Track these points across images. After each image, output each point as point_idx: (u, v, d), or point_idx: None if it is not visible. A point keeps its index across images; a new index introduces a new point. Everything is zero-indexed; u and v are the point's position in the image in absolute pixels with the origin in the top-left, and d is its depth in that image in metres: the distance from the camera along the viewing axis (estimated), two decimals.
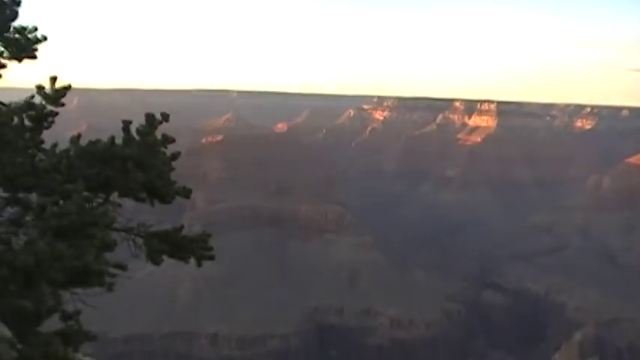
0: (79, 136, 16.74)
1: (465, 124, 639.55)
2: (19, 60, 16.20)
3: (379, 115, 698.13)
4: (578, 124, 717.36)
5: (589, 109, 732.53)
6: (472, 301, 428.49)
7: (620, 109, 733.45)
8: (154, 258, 16.22)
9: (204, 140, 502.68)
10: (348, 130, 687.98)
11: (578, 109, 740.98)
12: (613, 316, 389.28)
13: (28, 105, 16.08)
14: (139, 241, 16.10)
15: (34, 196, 15.41)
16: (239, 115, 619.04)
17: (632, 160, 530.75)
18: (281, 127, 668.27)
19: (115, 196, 16.40)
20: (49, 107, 16.28)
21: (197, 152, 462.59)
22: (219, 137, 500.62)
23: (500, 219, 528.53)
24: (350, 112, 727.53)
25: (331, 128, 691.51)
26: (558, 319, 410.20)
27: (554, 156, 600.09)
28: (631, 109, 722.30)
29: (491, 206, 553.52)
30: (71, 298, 15.26)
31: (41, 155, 16.13)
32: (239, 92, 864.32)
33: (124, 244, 15.96)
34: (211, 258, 16.89)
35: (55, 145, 16.38)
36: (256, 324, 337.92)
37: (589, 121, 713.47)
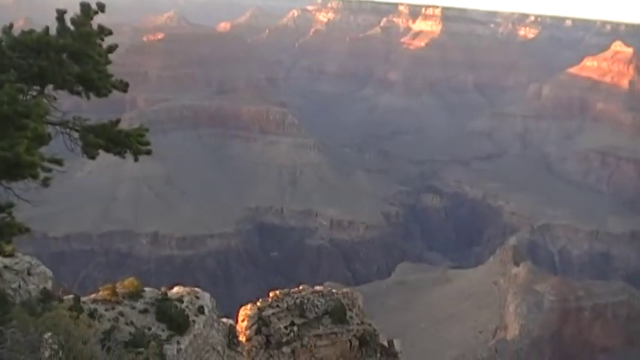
0: (11, 25, 16.09)
1: (409, 29, 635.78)
2: None
3: (323, 16, 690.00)
4: (522, 32, 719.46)
5: (533, 18, 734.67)
6: (411, 204, 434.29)
7: (563, 19, 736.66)
8: (90, 152, 15.79)
9: (145, 38, 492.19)
10: (292, 30, 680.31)
11: (522, 17, 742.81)
12: (546, 222, 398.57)
13: None
14: (75, 135, 15.65)
15: None
16: (181, 14, 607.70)
17: (573, 70, 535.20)
18: (224, 26, 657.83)
19: (50, 89, 15.90)
20: None
21: (138, 50, 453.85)
22: (161, 35, 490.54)
23: (441, 124, 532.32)
24: (294, 13, 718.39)
25: (274, 29, 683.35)
26: (494, 224, 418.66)
27: (496, 63, 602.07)
28: (574, 20, 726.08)
29: (433, 111, 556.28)
30: (4, 192, 14.92)
31: None
32: None
33: (60, 140, 15.57)
34: (148, 153, 16.51)
35: None
36: (197, 224, 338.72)
37: (532, 30, 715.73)
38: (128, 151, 16.29)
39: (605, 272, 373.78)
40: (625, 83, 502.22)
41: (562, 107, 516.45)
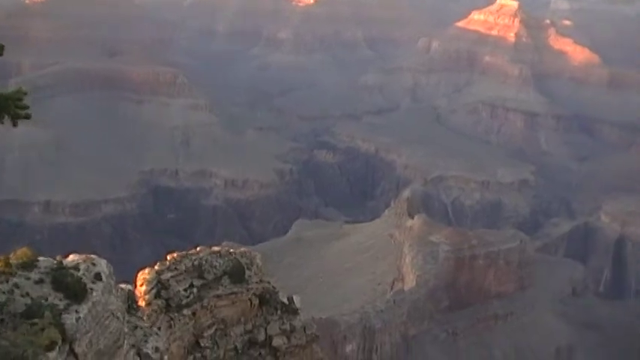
0: None
1: None
2: None
3: None
4: None
5: None
6: (304, 160, 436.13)
7: None
8: None
9: (27, 0, 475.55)
10: None
11: None
12: (439, 174, 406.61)
13: None
14: None
15: None
16: None
17: (461, 24, 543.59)
18: None
19: None
20: None
21: (20, 13, 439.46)
22: None
23: (331, 79, 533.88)
24: None
25: None
26: (388, 177, 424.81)
27: (385, 18, 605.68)
28: None
29: (323, 67, 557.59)
30: None
31: None
32: None
33: None
34: (27, 117, 16.04)
35: None
36: (90, 189, 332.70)
37: None
38: (6, 116, 15.79)
39: (497, 220, 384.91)
40: (511, 36, 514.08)
41: (451, 61, 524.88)
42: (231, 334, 31.12)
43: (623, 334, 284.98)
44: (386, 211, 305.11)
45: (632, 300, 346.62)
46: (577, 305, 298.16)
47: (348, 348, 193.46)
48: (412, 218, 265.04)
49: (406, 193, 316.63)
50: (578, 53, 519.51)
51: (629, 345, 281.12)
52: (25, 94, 15.98)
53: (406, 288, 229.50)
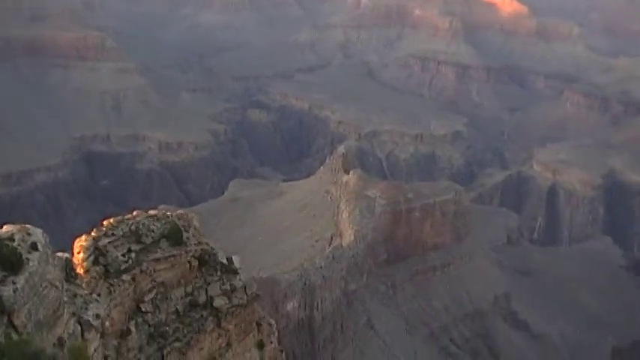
0: None
1: None
2: None
3: None
4: None
5: None
6: (238, 120, 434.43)
7: None
8: None
9: None
10: None
11: None
12: (373, 129, 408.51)
13: None
14: None
15: None
16: None
17: None
18: None
19: None
20: None
21: None
22: None
23: (262, 39, 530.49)
24: None
25: None
26: (322, 134, 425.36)
27: None
28: None
29: (254, 26, 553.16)
30: None
31: None
32: None
33: None
34: None
35: None
36: (21, 159, 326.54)
37: None
38: None
39: (432, 173, 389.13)
40: None
41: (381, 16, 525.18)
42: (172, 297, 31.12)
43: (558, 280, 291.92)
44: (321, 167, 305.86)
45: (566, 246, 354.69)
46: (512, 253, 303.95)
47: (289, 306, 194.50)
48: (347, 174, 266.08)
49: (341, 149, 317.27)
50: (506, 5, 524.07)
51: (564, 290, 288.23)
52: None
53: (344, 244, 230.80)
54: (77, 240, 28.66)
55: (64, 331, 23.10)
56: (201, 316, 32.47)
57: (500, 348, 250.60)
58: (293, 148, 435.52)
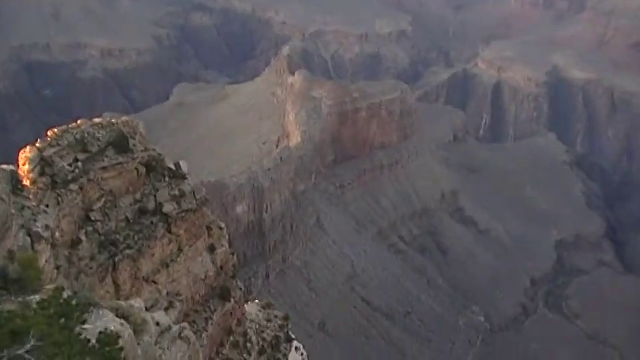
0: None
1: None
2: None
3: None
4: None
5: None
6: (181, 24, 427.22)
7: None
8: None
9: None
10: None
11: None
12: (317, 29, 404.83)
13: None
14: None
15: None
16: None
17: None
18: None
19: None
20: None
21: None
22: None
23: None
24: None
25: None
26: (266, 36, 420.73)
27: None
28: None
29: None
30: None
31: None
32: None
33: None
34: None
35: None
36: None
37: None
38: None
39: (377, 72, 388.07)
40: None
41: None
42: (121, 204, 31.06)
43: (503, 176, 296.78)
44: (266, 69, 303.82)
45: (511, 142, 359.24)
46: (459, 151, 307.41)
47: (239, 209, 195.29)
48: (293, 75, 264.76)
49: (285, 50, 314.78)
50: None
51: (509, 186, 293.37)
52: None
53: (292, 145, 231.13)
54: (22, 151, 28.29)
55: (13, 244, 23.00)
56: (151, 222, 32.49)
57: (448, 244, 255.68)
58: (237, 50, 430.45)
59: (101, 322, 15.84)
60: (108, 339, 14.17)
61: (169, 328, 20.31)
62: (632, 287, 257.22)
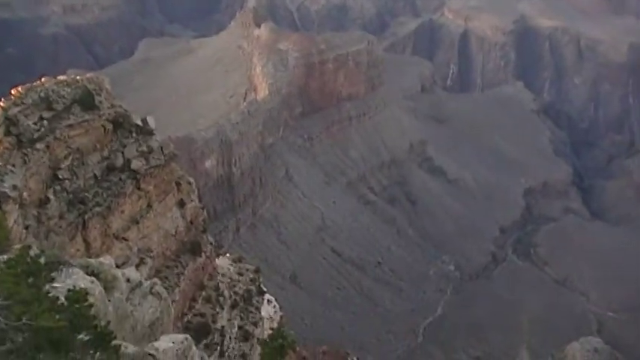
0: None
1: None
2: None
3: None
4: None
5: None
6: None
7: None
8: None
9: None
10: None
11: None
12: None
13: None
14: None
15: None
16: None
17: None
18: None
19: None
20: None
21: None
22: None
23: None
24: None
25: None
26: None
27: None
28: None
29: None
30: None
31: None
32: None
33: None
34: None
35: None
36: None
37: None
38: None
39: (344, 23, 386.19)
40: None
41: None
42: (89, 162, 30.85)
43: (471, 126, 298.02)
44: (232, 22, 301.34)
45: (478, 92, 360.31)
46: (427, 101, 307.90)
47: (207, 163, 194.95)
48: (259, 27, 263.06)
49: (251, 2, 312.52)
50: None
51: (477, 135, 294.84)
52: None
53: (259, 98, 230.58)
54: None
55: None
56: (120, 179, 32.35)
57: (417, 194, 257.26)
58: (202, 4, 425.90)
59: (70, 280, 15.84)
60: (77, 296, 14.17)
61: (140, 284, 20.36)
62: (599, 233, 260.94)
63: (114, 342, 13.94)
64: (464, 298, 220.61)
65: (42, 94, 29.57)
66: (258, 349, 38.05)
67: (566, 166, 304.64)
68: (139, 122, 34.43)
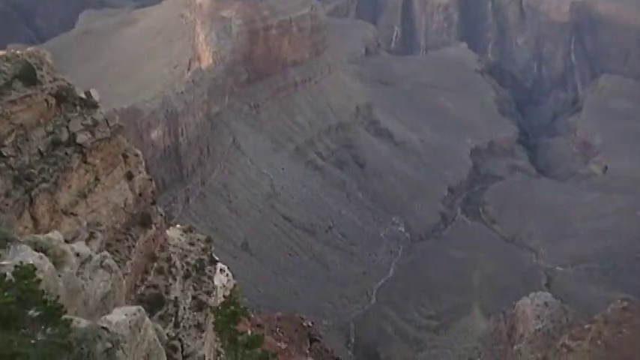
0: None
1: None
2: None
3: None
4: None
5: None
6: None
7: None
8: None
9: None
10: None
11: None
12: None
13: None
14: None
15: None
16: None
17: None
18: None
19: None
20: None
21: None
22: None
23: None
24: None
25: None
26: None
27: None
28: None
29: None
30: None
31: None
32: None
33: None
34: None
35: None
36: None
37: None
38: None
39: None
40: None
41: None
42: (33, 138, 30.44)
43: (417, 88, 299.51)
44: None
45: (423, 54, 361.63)
46: (371, 64, 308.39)
47: (154, 134, 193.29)
48: None
49: None
50: None
51: (423, 97, 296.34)
52: None
53: (203, 67, 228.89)
54: None
55: None
56: (66, 153, 31.98)
57: (365, 157, 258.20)
58: None
59: (19, 256, 15.74)
60: (25, 272, 14.08)
61: (90, 258, 20.26)
62: (546, 190, 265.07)
63: (65, 317, 13.88)
64: (415, 258, 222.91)
65: None
66: (213, 317, 38.17)
67: (512, 124, 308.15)
68: (83, 95, 34.02)
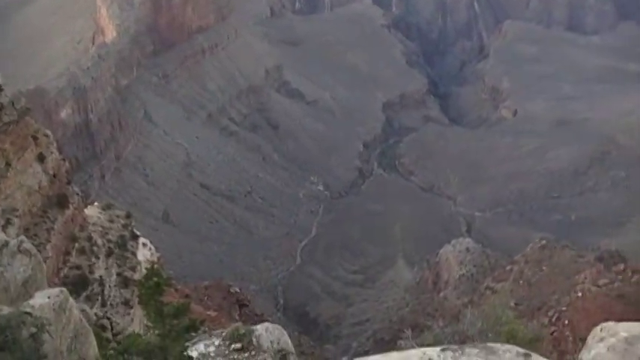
0: None
1: None
2: None
3: None
4: None
5: None
6: None
7: None
8: None
9: None
10: None
11: None
12: None
13: None
14: None
15: None
16: None
17: None
18: None
19: None
20: None
21: None
22: None
23: None
24: None
25: None
26: None
27: None
28: None
29: None
30: None
31: None
32: None
33: None
34: None
35: None
36: None
37: None
38: None
39: None
40: None
41: None
42: None
43: (325, 46, 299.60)
44: None
45: (328, 12, 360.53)
46: (278, 25, 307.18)
47: (63, 113, 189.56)
48: None
49: None
50: None
51: (331, 55, 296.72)
52: None
53: (108, 40, 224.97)
54: None
55: None
56: None
57: (278, 119, 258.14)
58: None
59: None
60: None
61: (6, 244, 20.02)
62: (459, 138, 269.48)
63: None
64: (336, 216, 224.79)
65: None
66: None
67: (421, 76, 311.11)
68: None
